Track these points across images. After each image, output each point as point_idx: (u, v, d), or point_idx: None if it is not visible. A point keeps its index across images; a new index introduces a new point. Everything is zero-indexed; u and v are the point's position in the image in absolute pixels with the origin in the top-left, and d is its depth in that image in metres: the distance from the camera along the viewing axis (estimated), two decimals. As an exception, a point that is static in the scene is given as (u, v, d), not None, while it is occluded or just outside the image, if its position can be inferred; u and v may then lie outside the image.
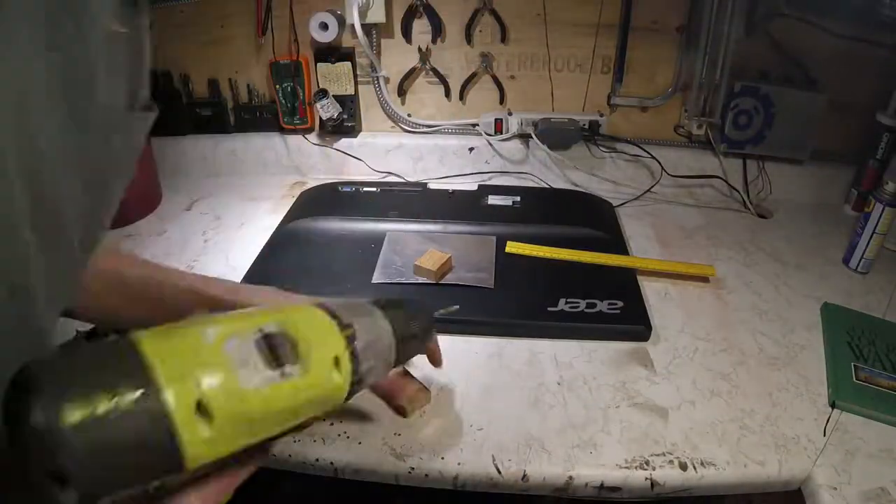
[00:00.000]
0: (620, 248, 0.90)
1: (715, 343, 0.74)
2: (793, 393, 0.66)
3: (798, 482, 0.58)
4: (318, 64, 1.08)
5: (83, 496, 0.27)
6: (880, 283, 0.86)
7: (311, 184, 1.11)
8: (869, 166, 1.01)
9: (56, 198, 0.26)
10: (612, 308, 0.76)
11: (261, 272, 0.84)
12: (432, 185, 1.08)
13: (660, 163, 1.07)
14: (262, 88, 1.13)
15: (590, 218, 0.98)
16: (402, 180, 1.13)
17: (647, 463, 0.58)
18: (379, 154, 1.14)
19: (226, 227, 0.98)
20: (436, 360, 0.59)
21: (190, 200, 1.08)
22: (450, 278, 0.81)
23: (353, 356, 0.40)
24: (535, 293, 0.79)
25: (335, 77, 1.09)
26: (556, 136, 1.07)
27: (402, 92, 1.12)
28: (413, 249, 0.86)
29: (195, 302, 0.50)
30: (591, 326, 0.74)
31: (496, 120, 1.10)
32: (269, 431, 0.36)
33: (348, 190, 1.05)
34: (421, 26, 1.05)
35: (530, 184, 1.11)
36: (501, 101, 1.10)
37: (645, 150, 1.08)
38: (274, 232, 0.93)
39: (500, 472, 0.57)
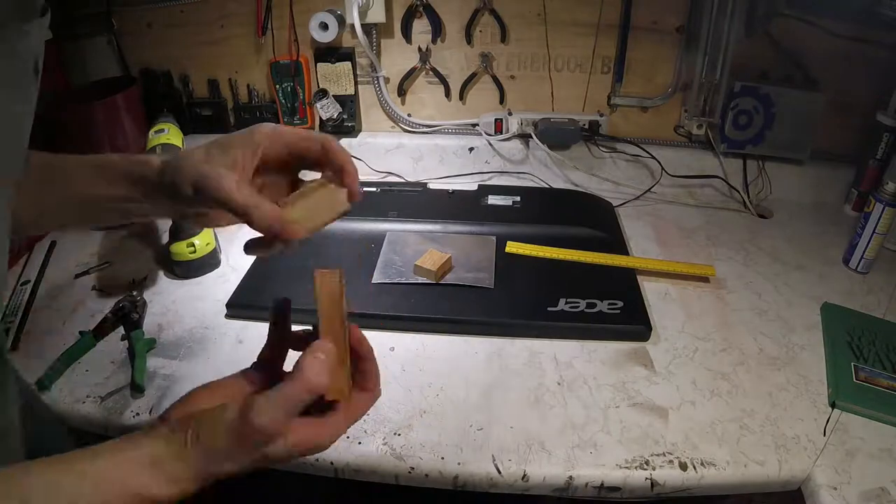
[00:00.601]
0: (620, 248, 0.90)
1: (715, 343, 0.74)
2: (793, 393, 0.66)
3: (798, 482, 0.58)
4: (318, 64, 1.08)
5: None
6: (880, 283, 0.86)
7: (311, 184, 1.11)
8: (869, 166, 1.01)
9: None
10: (612, 308, 0.76)
11: (260, 272, 0.84)
12: (432, 185, 1.08)
13: (660, 163, 1.07)
14: (262, 88, 1.13)
15: (590, 218, 0.98)
16: (402, 180, 1.13)
17: (647, 463, 0.58)
18: (379, 154, 1.14)
19: (227, 227, 0.98)
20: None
21: (190, 200, 1.08)
22: (450, 278, 0.81)
23: None
24: (535, 293, 0.79)
25: (335, 77, 1.09)
26: (556, 136, 1.07)
27: (402, 92, 1.12)
28: (413, 249, 0.86)
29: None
30: (591, 326, 0.74)
31: (496, 120, 1.10)
32: None
33: (348, 190, 1.05)
34: (421, 26, 1.05)
35: (530, 184, 1.11)
36: (501, 101, 1.10)
37: (645, 150, 1.08)
38: (274, 232, 0.93)
39: (500, 472, 0.57)
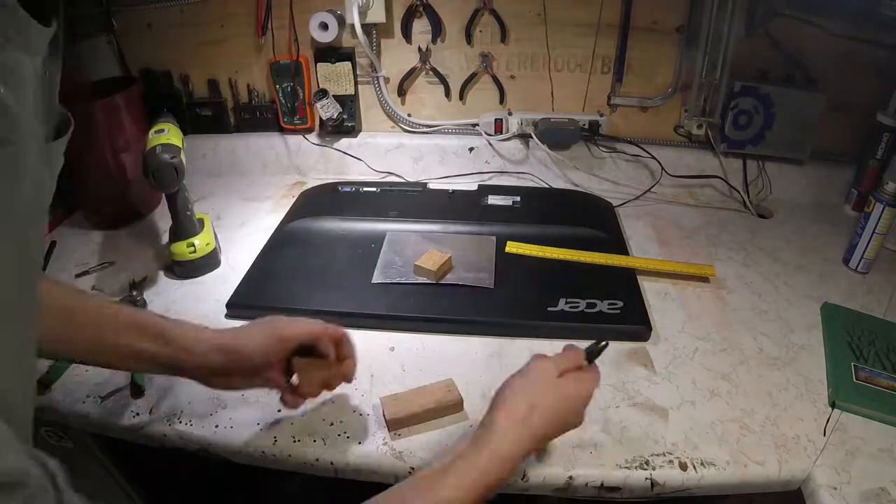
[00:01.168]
0: (620, 248, 0.90)
1: (715, 343, 0.74)
2: (793, 393, 0.66)
3: (798, 482, 0.58)
4: (318, 64, 1.08)
5: None
6: (880, 283, 0.86)
7: (311, 184, 1.11)
8: (869, 166, 1.01)
9: None
10: (612, 308, 0.76)
11: (260, 272, 0.84)
12: (432, 185, 1.08)
13: (660, 163, 1.07)
14: (262, 88, 1.13)
15: (590, 218, 0.98)
16: (402, 180, 1.13)
17: (647, 463, 0.58)
18: (379, 154, 1.14)
19: (226, 226, 0.98)
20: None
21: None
22: (450, 278, 0.81)
23: None
24: (535, 293, 0.79)
25: (335, 77, 1.09)
26: (556, 136, 1.07)
27: (402, 92, 1.12)
28: (413, 249, 0.86)
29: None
30: (591, 326, 0.74)
31: (496, 120, 1.10)
32: None
33: (348, 190, 1.05)
34: (421, 26, 1.05)
35: (530, 184, 1.11)
36: (501, 101, 1.10)
37: (645, 150, 1.08)
38: (274, 232, 0.93)
39: (500, 472, 0.57)
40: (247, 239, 0.94)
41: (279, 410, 0.63)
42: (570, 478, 0.57)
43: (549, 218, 0.97)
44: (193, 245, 0.84)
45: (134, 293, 0.78)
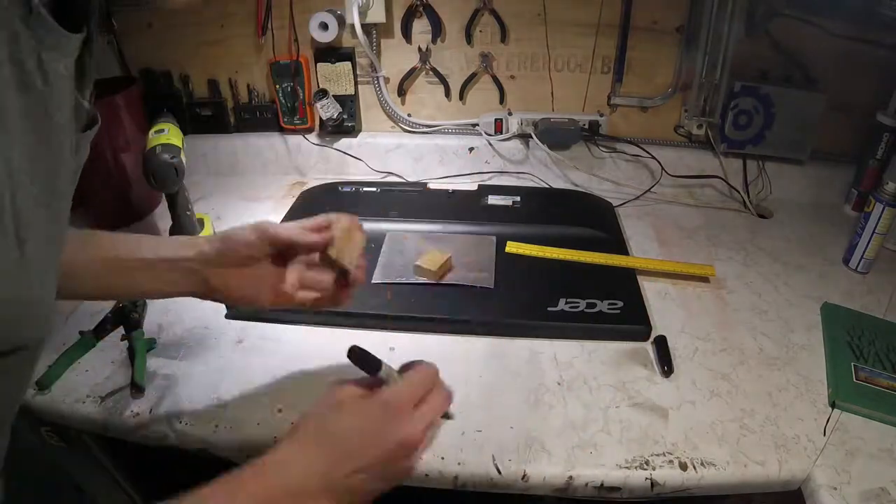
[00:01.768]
0: (620, 248, 0.90)
1: (715, 343, 0.74)
2: (793, 393, 0.66)
3: (798, 482, 0.58)
4: (318, 64, 1.08)
5: None
6: (880, 283, 0.86)
7: (311, 184, 1.11)
8: (869, 166, 1.01)
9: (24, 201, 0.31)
10: (612, 308, 0.76)
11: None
12: (432, 185, 1.08)
13: (660, 163, 1.07)
14: (262, 88, 1.13)
15: (590, 218, 0.98)
16: (402, 180, 1.13)
17: (647, 463, 0.58)
18: (379, 154, 1.14)
19: (226, 226, 0.98)
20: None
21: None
22: (450, 278, 0.81)
23: None
24: (535, 293, 0.79)
25: (335, 77, 1.09)
26: (556, 136, 1.07)
27: (402, 92, 1.12)
28: (413, 249, 0.86)
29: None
30: (591, 326, 0.74)
31: (496, 120, 1.10)
32: None
33: (348, 190, 1.05)
34: (421, 26, 1.05)
35: (530, 184, 1.11)
36: (501, 101, 1.10)
37: (645, 150, 1.08)
38: (274, 232, 0.93)
39: (500, 472, 0.57)
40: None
41: (279, 410, 0.63)
42: (570, 478, 0.57)
43: (549, 218, 0.97)
44: (193, 245, 0.84)
45: (134, 293, 0.78)
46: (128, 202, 1.01)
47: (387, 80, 1.10)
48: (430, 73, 1.09)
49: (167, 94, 1.13)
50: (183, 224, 0.85)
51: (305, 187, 1.10)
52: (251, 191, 1.11)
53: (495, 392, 0.66)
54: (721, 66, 0.99)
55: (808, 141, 1.04)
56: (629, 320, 0.75)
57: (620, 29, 1.02)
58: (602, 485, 0.57)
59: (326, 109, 1.06)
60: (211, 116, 1.15)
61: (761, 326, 0.77)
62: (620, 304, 0.77)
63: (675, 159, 1.08)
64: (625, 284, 0.81)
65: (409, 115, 1.13)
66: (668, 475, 0.57)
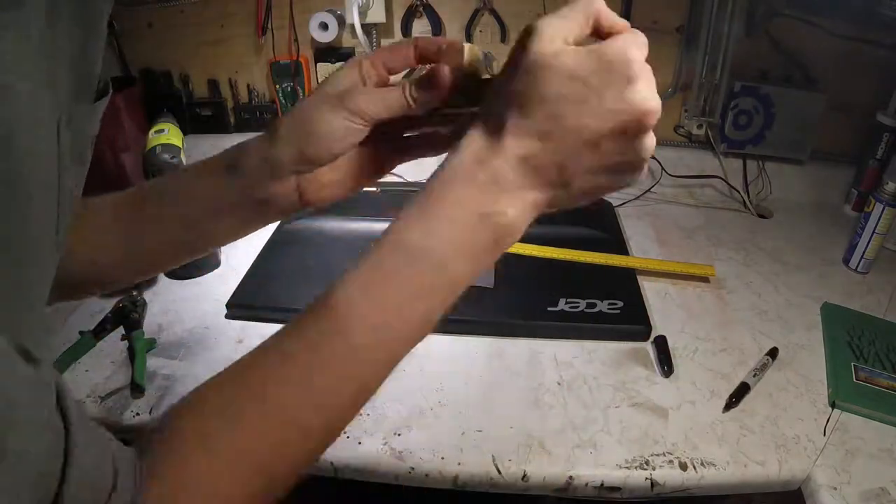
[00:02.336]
0: (620, 248, 0.90)
1: (715, 343, 0.74)
2: (793, 393, 0.66)
3: (798, 482, 0.58)
4: (318, 64, 1.08)
5: None
6: (880, 283, 0.86)
7: (311, 184, 1.11)
8: (869, 166, 1.01)
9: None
10: (612, 308, 0.76)
11: (260, 272, 0.84)
12: (432, 185, 1.07)
13: (660, 163, 1.07)
14: (262, 88, 1.13)
15: (590, 218, 0.98)
16: (402, 180, 1.12)
17: (647, 463, 0.58)
18: (379, 154, 1.14)
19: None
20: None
21: (190, 200, 1.08)
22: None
23: None
24: (535, 293, 0.79)
25: (335, 77, 1.09)
26: (556, 136, 1.07)
27: (402, 92, 1.12)
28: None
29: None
30: (591, 326, 0.74)
31: (496, 120, 1.10)
32: None
33: (348, 190, 1.05)
34: (421, 26, 1.05)
35: (530, 184, 1.11)
36: (501, 101, 1.10)
37: (645, 150, 1.08)
38: (274, 232, 0.93)
39: (500, 472, 0.57)
40: (247, 239, 0.94)
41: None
42: (570, 478, 0.57)
43: (548, 218, 0.95)
44: (193, 245, 0.84)
45: (134, 293, 0.78)
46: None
47: (387, 80, 1.10)
48: (430, 73, 1.09)
49: (167, 94, 1.12)
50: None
51: (305, 187, 1.10)
52: (251, 191, 1.11)
53: (495, 392, 0.66)
54: (721, 66, 0.99)
55: (808, 141, 1.04)
56: (629, 320, 0.75)
57: (620, 29, 1.01)
58: (602, 485, 0.57)
59: (326, 109, 1.06)
60: (211, 116, 1.15)
61: (761, 326, 0.77)
62: (620, 304, 0.77)
63: (675, 159, 1.08)
64: (625, 284, 0.81)
65: (409, 115, 1.13)
66: (668, 475, 0.57)
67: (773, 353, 0.70)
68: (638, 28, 0.33)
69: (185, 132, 0.88)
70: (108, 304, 0.76)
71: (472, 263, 0.34)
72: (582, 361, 0.70)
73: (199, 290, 0.83)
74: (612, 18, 0.33)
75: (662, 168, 1.08)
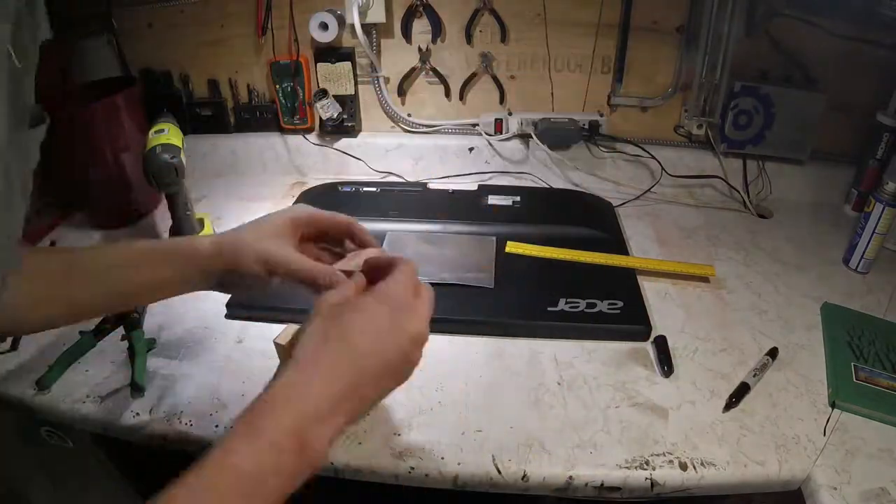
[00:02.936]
0: (620, 248, 0.90)
1: (715, 343, 0.74)
2: (793, 393, 0.66)
3: (798, 482, 0.58)
4: (318, 64, 1.08)
5: None
6: (880, 283, 0.86)
7: (311, 184, 1.11)
8: (869, 166, 1.01)
9: None
10: (612, 308, 0.76)
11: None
12: (432, 185, 1.08)
13: (660, 163, 1.07)
14: (262, 88, 1.13)
15: (590, 218, 0.98)
16: (402, 180, 1.13)
17: (647, 463, 0.58)
18: (379, 154, 1.14)
19: (226, 226, 0.98)
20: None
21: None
22: (450, 278, 0.81)
23: None
24: (535, 293, 0.79)
25: (335, 77, 1.09)
26: (556, 136, 1.07)
27: (402, 92, 1.12)
28: (413, 249, 0.86)
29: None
30: (591, 326, 0.74)
31: (496, 120, 1.10)
32: None
33: (348, 190, 1.05)
34: (421, 26, 1.05)
35: (530, 184, 1.11)
36: (501, 101, 1.10)
37: (645, 150, 1.08)
38: (274, 232, 0.93)
39: (500, 472, 0.57)
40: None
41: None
42: (570, 478, 0.57)
43: (549, 218, 0.97)
44: (193, 245, 0.84)
45: (134, 293, 0.78)
46: (128, 202, 1.01)
47: (387, 80, 1.10)
48: (430, 73, 1.09)
49: (167, 94, 1.13)
50: (183, 224, 0.85)
51: (305, 187, 1.10)
52: (251, 191, 1.11)
53: (495, 392, 0.66)
54: (721, 66, 0.99)
55: (808, 141, 1.04)
56: (629, 320, 0.75)
57: (620, 29, 1.01)
58: (602, 485, 0.57)
59: (326, 109, 1.06)
60: (211, 116, 1.15)
61: (761, 326, 0.77)
62: (620, 304, 0.77)
63: (675, 159, 1.08)
64: (625, 284, 0.81)
65: (409, 115, 1.13)
66: (668, 475, 0.57)
67: (773, 353, 0.70)
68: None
69: (185, 132, 0.88)
70: (108, 304, 0.76)
71: (286, 483, 0.36)
72: (582, 361, 0.70)
73: (199, 290, 0.83)
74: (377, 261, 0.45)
75: (662, 168, 1.08)
